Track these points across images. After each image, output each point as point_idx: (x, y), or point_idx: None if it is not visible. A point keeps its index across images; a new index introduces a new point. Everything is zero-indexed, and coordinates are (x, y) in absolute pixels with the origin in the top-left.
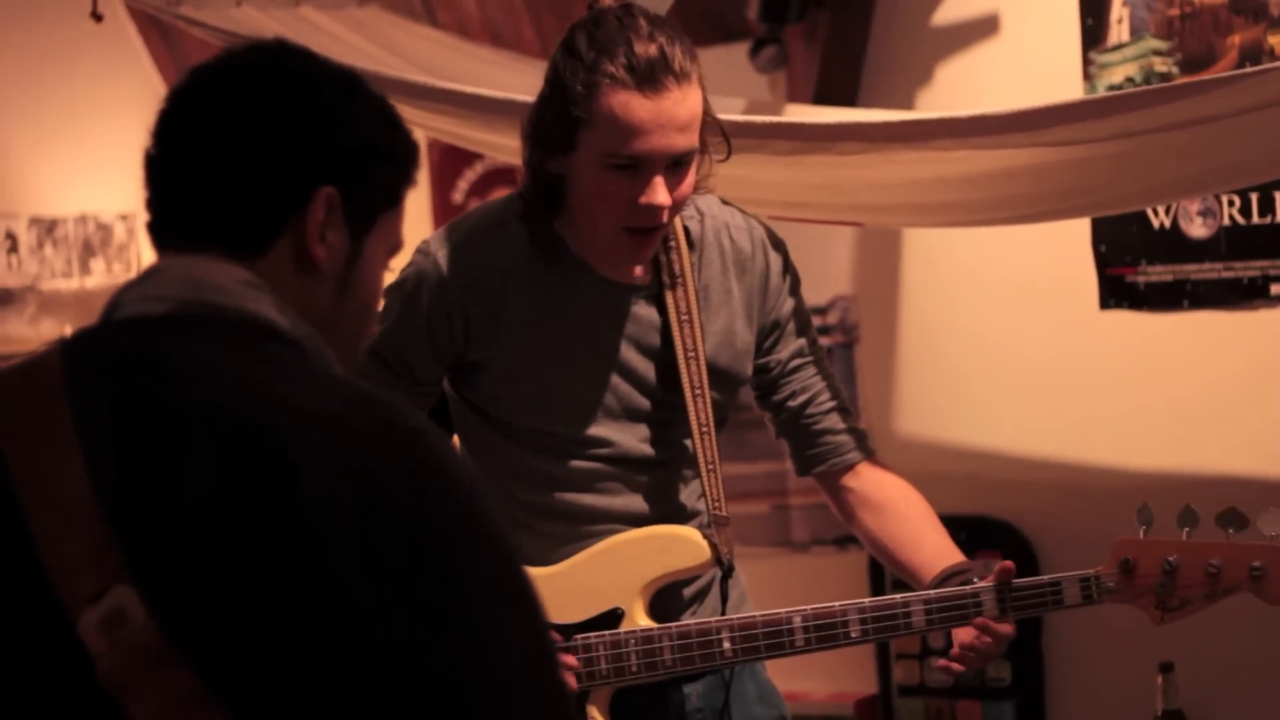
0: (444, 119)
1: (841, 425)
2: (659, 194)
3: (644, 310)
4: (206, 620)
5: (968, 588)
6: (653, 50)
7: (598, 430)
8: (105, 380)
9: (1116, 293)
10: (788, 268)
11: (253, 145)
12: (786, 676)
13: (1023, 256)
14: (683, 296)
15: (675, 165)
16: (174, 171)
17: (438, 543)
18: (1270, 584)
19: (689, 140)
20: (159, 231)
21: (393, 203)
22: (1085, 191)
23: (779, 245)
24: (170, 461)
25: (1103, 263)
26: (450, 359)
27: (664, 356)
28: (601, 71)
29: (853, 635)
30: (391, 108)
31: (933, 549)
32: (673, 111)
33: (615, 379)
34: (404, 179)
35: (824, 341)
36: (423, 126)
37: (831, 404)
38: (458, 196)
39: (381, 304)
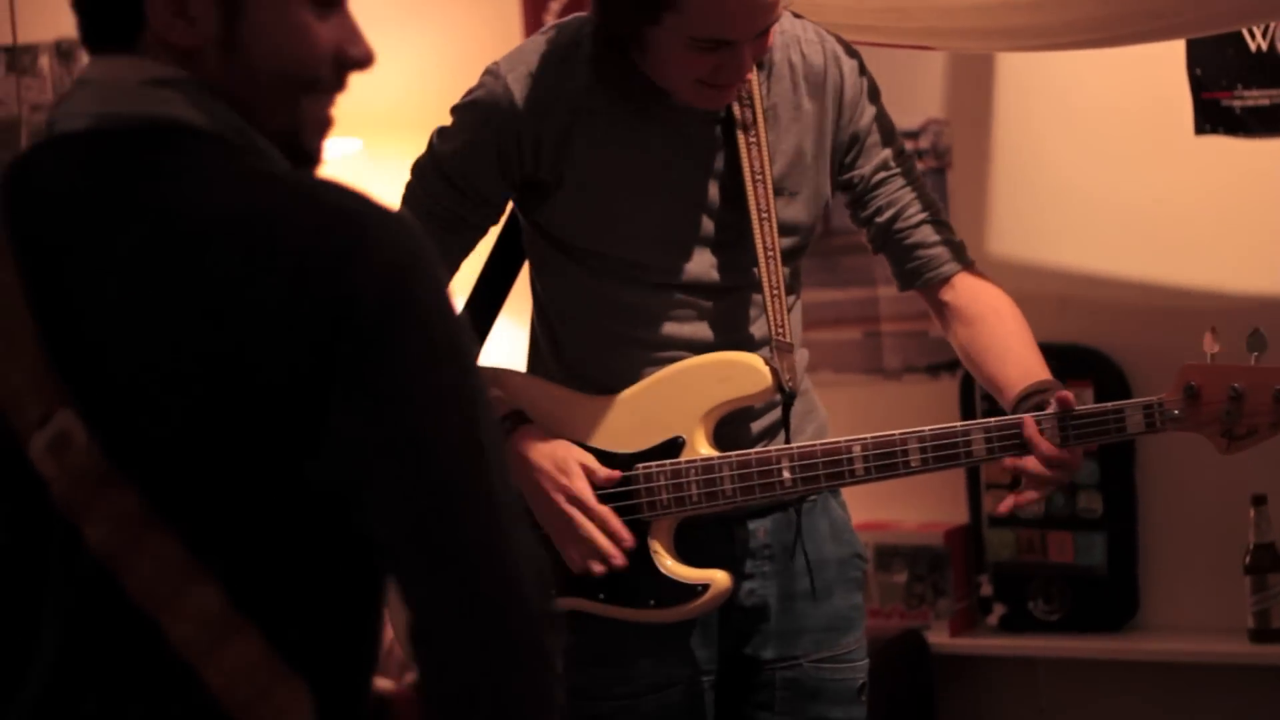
0: None
1: (935, 237)
2: (745, 65)
3: (711, 134)
4: (143, 440)
5: (1028, 414)
6: None
7: (664, 255)
8: (39, 207)
9: (1212, 117)
10: (863, 78)
11: None
12: (876, 506)
13: (1117, 80)
14: (750, 119)
15: (760, 34)
16: None
17: (367, 330)
18: None
19: (774, 12)
20: (82, 36)
21: None
22: (1155, 15)
23: (853, 55)
24: (95, 285)
25: (1198, 86)
26: (518, 180)
27: (731, 180)
28: None
29: (912, 464)
30: None
31: (1017, 365)
32: None
33: (683, 203)
34: None
35: (916, 166)
36: None
37: (922, 215)
38: (548, 18)
39: (450, 123)
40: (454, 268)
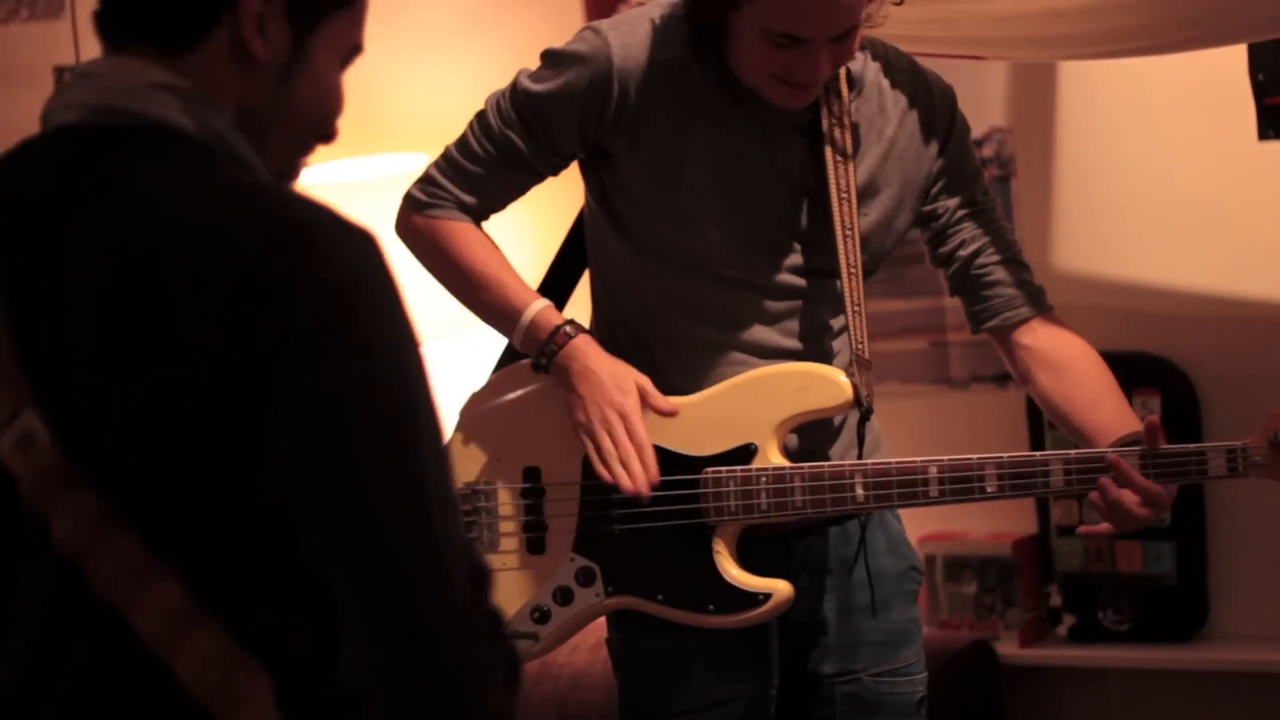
0: None
1: (1013, 278)
2: (819, 70)
3: (799, 142)
4: (99, 441)
5: (1109, 449)
6: None
7: (734, 249)
8: (19, 204)
9: (1275, 122)
10: (955, 114)
11: None
12: (944, 517)
13: (1179, 86)
14: (840, 136)
15: (839, 38)
16: None
17: (306, 346)
18: None
19: (852, 17)
20: (100, 26)
21: (342, 2)
22: (1205, 22)
23: (946, 90)
24: (59, 282)
25: (1260, 91)
26: (593, 139)
27: (815, 191)
28: None
29: (988, 490)
30: None
31: (1110, 414)
32: None
33: (758, 201)
34: None
35: (997, 208)
36: None
37: (1002, 255)
38: None
39: (538, 67)
40: (499, 203)
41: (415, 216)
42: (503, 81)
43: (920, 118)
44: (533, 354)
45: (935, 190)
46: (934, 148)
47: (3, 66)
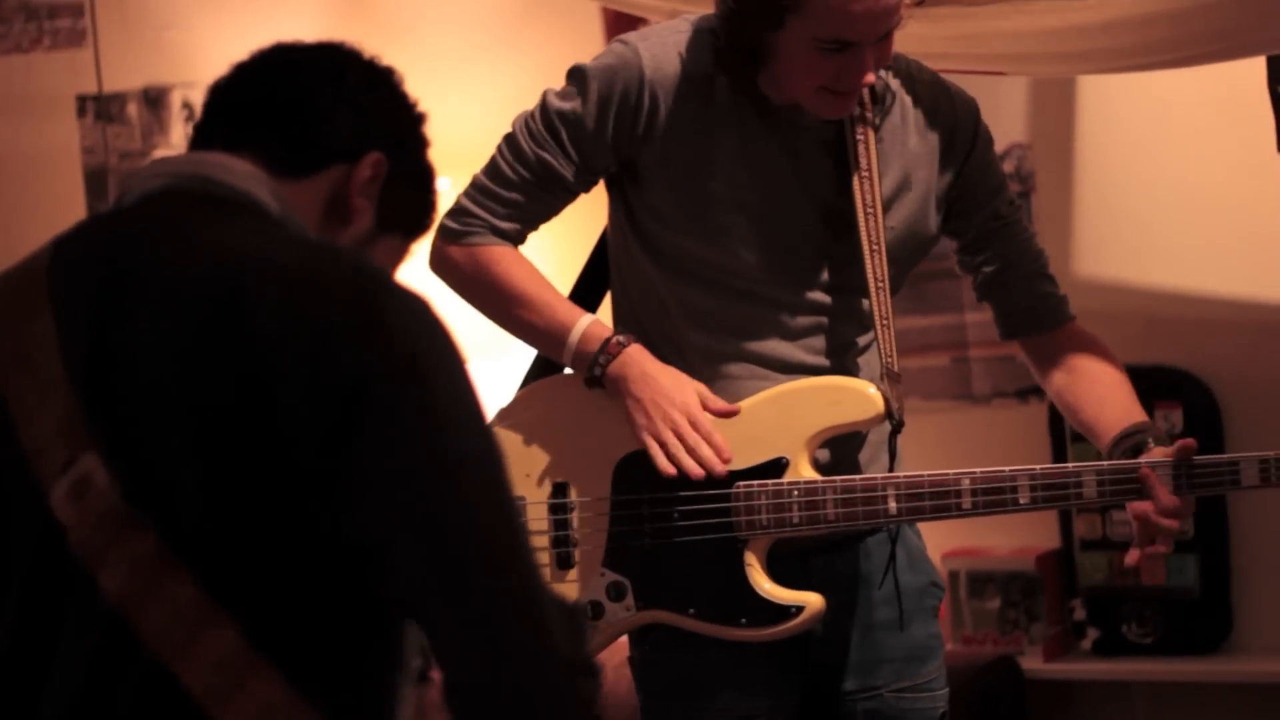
0: None
1: (1041, 291)
2: (868, 71)
3: (824, 159)
4: (165, 481)
5: (1143, 461)
6: None
7: (759, 265)
8: (92, 260)
9: None
10: (978, 126)
11: (329, 84)
12: (968, 533)
13: (1199, 99)
14: (864, 152)
15: (881, 39)
16: (244, 87)
17: (383, 395)
18: None
19: (897, 16)
20: (214, 122)
21: (408, 229)
22: (1227, 35)
23: (968, 103)
24: (132, 329)
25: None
26: (625, 151)
27: (840, 207)
28: None
29: (1021, 502)
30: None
31: (1115, 409)
32: None
33: (784, 217)
34: (425, 215)
35: (1024, 218)
36: None
37: (1030, 269)
38: None
39: (565, 86)
40: (534, 224)
41: (451, 248)
42: (526, 103)
43: (943, 130)
44: (585, 368)
45: (961, 203)
46: (958, 160)
47: (26, 95)
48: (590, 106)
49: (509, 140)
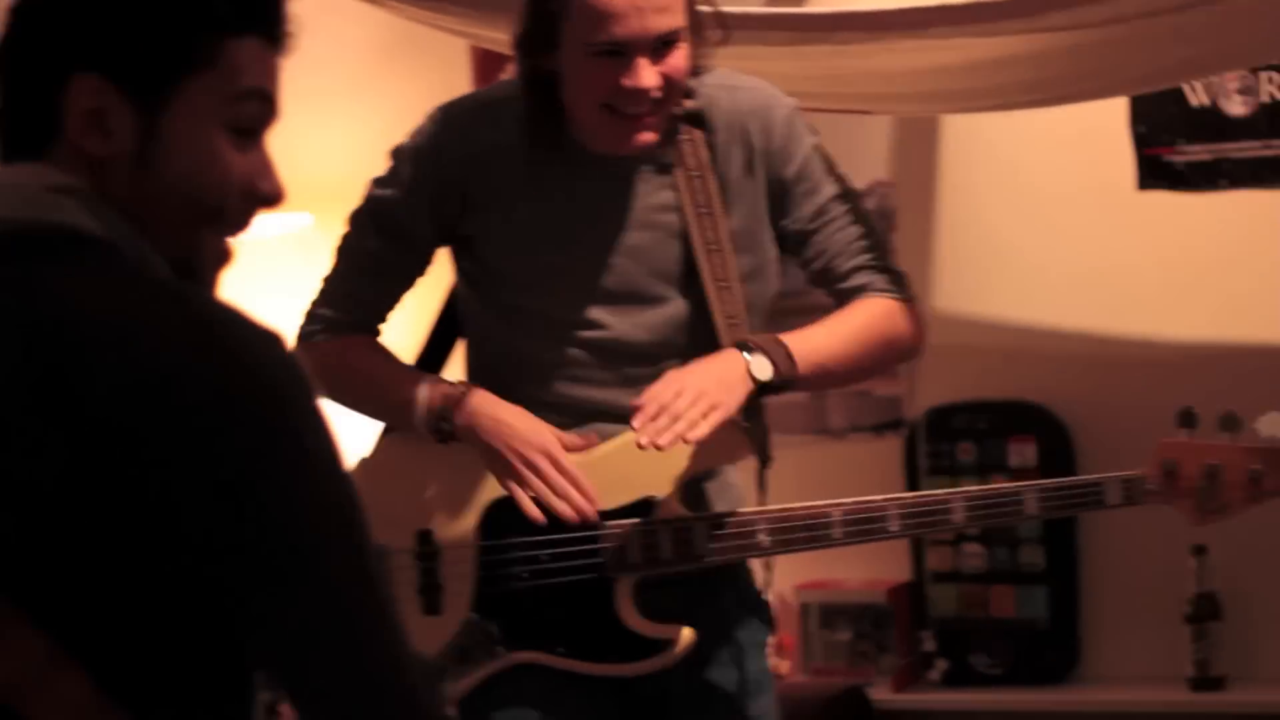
0: (462, 21)
1: (865, 281)
2: (643, 76)
3: (656, 196)
4: (9, 549)
5: (1008, 485)
6: None
7: (595, 313)
8: None
9: (1154, 172)
10: (790, 124)
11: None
12: (819, 565)
13: (1061, 137)
14: (700, 188)
15: (662, 45)
16: None
17: (233, 439)
18: None
19: (670, 20)
20: None
21: (193, 64)
22: (1087, 77)
23: (778, 103)
24: None
25: (1140, 142)
26: (449, 229)
27: (680, 245)
28: None
29: (892, 530)
30: None
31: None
32: None
33: (617, 260)
34: (199, 36)
35: (860, 203)
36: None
37: (854, 263)
38: None
39: (387, 169)
40: (383, 308)
41: (304, 353)
42: (392, 139)
43: (758, 133)
44: (434, 429)
45: (783, 203)
46: (775, 160)
47: None
48: (406, 190)
49: (343, 238)
